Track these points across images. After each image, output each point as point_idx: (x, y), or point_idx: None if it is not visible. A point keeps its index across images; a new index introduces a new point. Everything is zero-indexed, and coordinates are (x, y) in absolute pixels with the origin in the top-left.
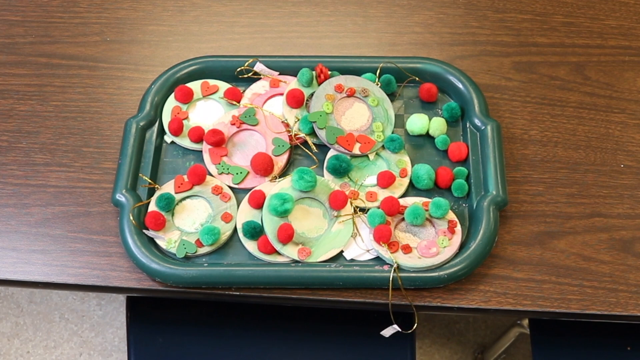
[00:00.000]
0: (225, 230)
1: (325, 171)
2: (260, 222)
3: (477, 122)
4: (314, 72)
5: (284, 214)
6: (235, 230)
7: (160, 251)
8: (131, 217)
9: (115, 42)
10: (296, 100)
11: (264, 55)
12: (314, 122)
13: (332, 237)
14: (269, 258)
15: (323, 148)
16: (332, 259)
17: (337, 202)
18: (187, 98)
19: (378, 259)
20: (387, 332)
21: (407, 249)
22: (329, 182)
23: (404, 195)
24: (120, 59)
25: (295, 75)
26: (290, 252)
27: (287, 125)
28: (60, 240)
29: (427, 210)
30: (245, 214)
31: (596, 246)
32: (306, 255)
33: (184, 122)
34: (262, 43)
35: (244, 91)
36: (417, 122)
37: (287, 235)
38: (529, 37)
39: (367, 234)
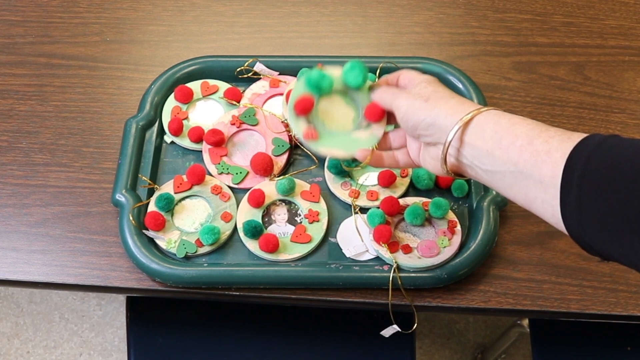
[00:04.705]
0: (225, 230)
1: (326, 170)
2: (260, 222)
3: None
4: None
5: (317, 87)
6: (235, 229)
7: (160, 251)
8: (131, 217)
9: (115, 42)
10: None
11: (264, 55)
12: None
13: (346, 140)
14: (270, 257)
15: None
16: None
17: (374, 113)
18: (187, 98)
19: (378, 259)
20: (387, 332)
21: (407, 249)
22: (369, 91)
23: (404, 195)
24: (120, 59)
25: (295, 75)
26: (300, 126)
27: (287, 125)
28: (60, 240)
29: (427, 210)
30: (245, 213)
31: None
32: (311, 137)
33: (184, 122)
34: (262, 43)
35: (243, 91)
36: None
37: (304, 107)
38: (529, 37)
39: (367, 234)
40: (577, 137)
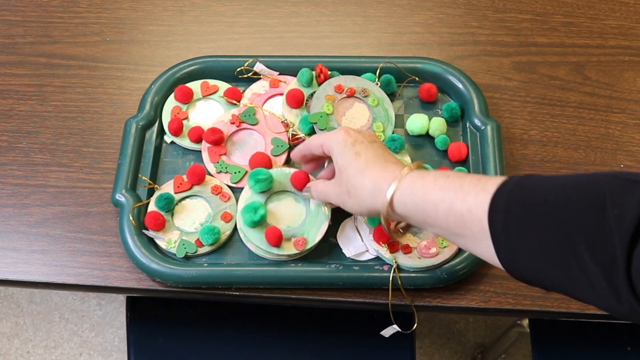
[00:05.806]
0: (225, 230)
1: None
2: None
3: (477, 122)
4: (313, 72)
5: (261, 221)
6: (235, 229)
7: (160, 251)
8: (131, 217)
9: (115, 42)
10: (296, 100)
11: (264, 55)
12: (315, 123)
13: (315, 215)
14: (271, 256)
15: None
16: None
17: (299, 182)
18: (187, 98)
19: (378, 259)
20: (387, 332)
21: (407, 249)
22: (282, 168)
23: None
24: (120, 59)
25: (295, 75)
26: (287, 249)
27: (287, 125)
28: (60, 240)
29: None
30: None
31: None
32: (303, 245)
33: (184, 122)
34: (262, 43)
35: (243, 91)
36: (417, 122)
37: (276, 237)
38: (529, 37)
39: (367, 234)
40: (492, 185)
